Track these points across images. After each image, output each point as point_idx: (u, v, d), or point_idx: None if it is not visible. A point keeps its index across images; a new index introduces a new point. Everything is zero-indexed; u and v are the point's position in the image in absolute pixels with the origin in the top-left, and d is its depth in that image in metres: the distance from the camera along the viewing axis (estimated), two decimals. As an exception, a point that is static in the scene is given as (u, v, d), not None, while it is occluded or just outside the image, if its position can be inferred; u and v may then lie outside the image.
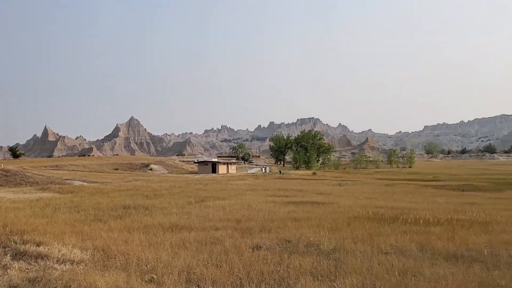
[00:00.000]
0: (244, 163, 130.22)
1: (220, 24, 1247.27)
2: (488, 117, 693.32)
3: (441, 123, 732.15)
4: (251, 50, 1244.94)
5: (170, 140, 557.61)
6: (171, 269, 7.77)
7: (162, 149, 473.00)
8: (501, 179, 52.56)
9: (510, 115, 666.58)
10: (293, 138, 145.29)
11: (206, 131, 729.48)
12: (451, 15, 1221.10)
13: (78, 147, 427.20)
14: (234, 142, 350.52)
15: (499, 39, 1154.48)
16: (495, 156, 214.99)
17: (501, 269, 7.88)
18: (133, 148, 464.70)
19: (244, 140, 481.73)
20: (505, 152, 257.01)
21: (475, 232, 11.94)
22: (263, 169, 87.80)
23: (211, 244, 10.26)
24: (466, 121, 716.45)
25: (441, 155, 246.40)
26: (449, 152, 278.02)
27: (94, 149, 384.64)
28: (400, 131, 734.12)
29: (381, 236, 11.06)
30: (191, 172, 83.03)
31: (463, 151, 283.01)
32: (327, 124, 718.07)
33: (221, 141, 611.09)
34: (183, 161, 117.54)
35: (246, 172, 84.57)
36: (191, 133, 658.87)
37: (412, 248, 9.57)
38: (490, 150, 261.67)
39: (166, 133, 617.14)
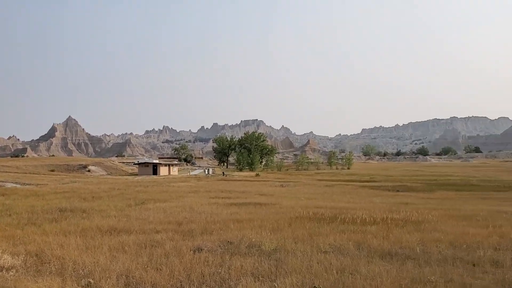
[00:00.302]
0: (187, 165, 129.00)
1: (162, 22, 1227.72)
2: (421, 121, 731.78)
3: (377, 126, 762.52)
4: (195, 50, 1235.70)
5: (109, 141, 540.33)
6: (109, 273, 7.56)
7: (101, 150, 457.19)
8: (432, 180, 55.50)
9: (442, 119, 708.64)
10: (237, 139, 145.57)
11: (147, 131, 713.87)
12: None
13: (11, 147, 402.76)
14: (176, 143, 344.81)
15: (432, 49, 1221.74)
16: (428, 158, 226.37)
17: (432, 265, 8.31)
18: (71, 148, 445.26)
19: (186, 141, 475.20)
20: (437, 154, 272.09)
21: (409, 230, 12.52)
22: (206, 170, 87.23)
23: (151, 247, 10.09)
24: (401, 124, 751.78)
25: (377, 157, 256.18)
26: (385, 154, 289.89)
27: (29, 149, 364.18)
28: (340, 134, 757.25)
29: (321, 236, 11.35)
30: (131, 174, 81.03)
31: (398, 153, 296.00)
32: (270, 126, 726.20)
33: (162, 142, 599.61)
34: (123, 162, 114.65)
35: (188, 174, 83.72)
36: (131, 133, 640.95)
37: (349, 247, 9.90)
38: (423, 152, 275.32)
39: (105, 134, 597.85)
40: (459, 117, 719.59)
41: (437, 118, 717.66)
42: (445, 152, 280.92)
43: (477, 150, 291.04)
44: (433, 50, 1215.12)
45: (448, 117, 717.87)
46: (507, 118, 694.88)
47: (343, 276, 7.37)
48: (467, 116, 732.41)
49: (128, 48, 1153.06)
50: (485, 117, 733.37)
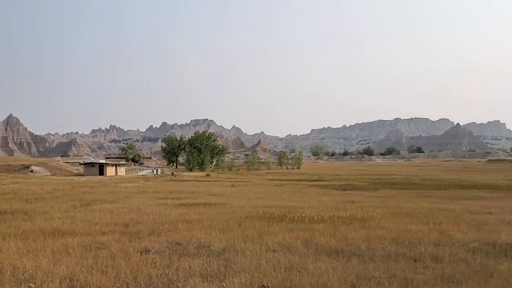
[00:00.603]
0: (135, 165, 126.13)
1: (106, 19, 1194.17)
2: (367, 122, 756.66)
3: (326, 127, 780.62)
4: (144, 47, 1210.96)
5: (53, 140, 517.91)
6: (52, 277, 7.28)
7: (44, 150, 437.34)
8: (377, 179, 57.38)
9: (386, 120, 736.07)
10: (187, 139, 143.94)
11: (93, 131, 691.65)
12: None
13: None
14: (123, 143, 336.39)
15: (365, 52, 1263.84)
16: (373, 158, 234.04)
17: (376, 261, 8.58)
18: (12, 148, 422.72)
19: (134, 141, 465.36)
20: (381, 154, 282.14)
21: (354, 228, 12.88)
22: (155, 171, 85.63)
23: (97, 249, 9.84)
24: (348, 125, 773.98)
25: (326, 157, 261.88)
26: (333, 154, 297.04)
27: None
28: (290, 134, 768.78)
29: (270, 235, 11.44)
30: (77, 174, 78.21)
31: (345, 153, 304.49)
32: (221, 126, 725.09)
33: (109, 142, 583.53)
34: (68, 162, 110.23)
35: (136, 174, 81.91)
36: (77, 133, 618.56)
37: (298, 245, 10.04)
38: (368, 152, 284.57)
39: (49, 133, 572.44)
40: (402, 118, 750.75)
41: (382, 119, 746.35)
42: (389, 152, 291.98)
43: (419, 150, 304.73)
44: (375, 59, 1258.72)
45: (392, 119, 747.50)
46: (447, 119, 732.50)
47: (291, 274, 7.46)
48: (410, 117, 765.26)
49: (74, 44, 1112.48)
50: (427, 118, 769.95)
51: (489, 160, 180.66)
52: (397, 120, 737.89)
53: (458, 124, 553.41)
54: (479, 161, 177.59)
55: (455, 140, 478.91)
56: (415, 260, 8.71)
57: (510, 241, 10.32)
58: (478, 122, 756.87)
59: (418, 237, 11.08)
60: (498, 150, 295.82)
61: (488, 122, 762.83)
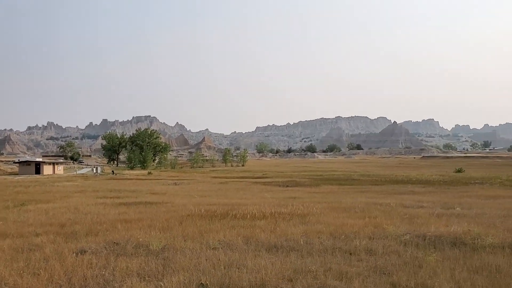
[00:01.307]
0: (73, 163, 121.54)
1: (53, 16, 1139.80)
2: (310, 120, 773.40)
3: (271, 124, 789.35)
4: (83, 43, 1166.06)
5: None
6: (-24, 283, 6.87)
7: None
8: (319, 175, 58.87)
9: (328, 118, 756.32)
10: (128, 136, 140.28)
11: (29, 128, 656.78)
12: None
13: None
14: (62, 141, 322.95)
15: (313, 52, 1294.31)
16: (315, 155, 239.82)
17: (313, 256, 8.80)
18: None
19: (73, 139, 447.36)
20: (323, 151, 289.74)
21: (294, 223, 13.14)
22: (95, 169, 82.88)
23: (29, 251, 9.50)
24: (292, 123, 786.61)
25: (270, 154, 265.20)
26: (277, 151, 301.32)
27: None
28: (235, 131, 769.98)
29: (211, 233, 11.42)
30: (11, 173, 74.16)
31: (289, 151, 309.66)
32: (164, 123, 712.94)
33: (47, 139, 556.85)
34: (2, 161, 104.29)
35: (75, 173, 78.89)
36: (11, 129, 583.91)
37: (238, 242, 10.10)
38: (311, 149, 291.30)
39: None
40: (343, 116, 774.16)
41: (324, 117, 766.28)
42: (331, 149, 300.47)
43: (358, 147, 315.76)
44: (319, 59, 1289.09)
45: (334, 117, 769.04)
46: (385, 118, 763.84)
47: (230, 270, 7.50)
48: (350, 116, 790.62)
49: (9, 37, 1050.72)
50: (366, 116, 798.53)
51: (423, 156, 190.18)
52: (338, 118, 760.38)
53: (395, 122, 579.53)
54: (414, 158, 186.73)
55: (392, 137, 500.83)
56: (351, 253, 9.02)
57: (438, 234, 10.91)
58: (413, 120, 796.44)
59: (354, 231, 11.48)
60: (432, 147, 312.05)
61: (423, 120, 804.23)
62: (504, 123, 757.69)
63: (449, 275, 7.27)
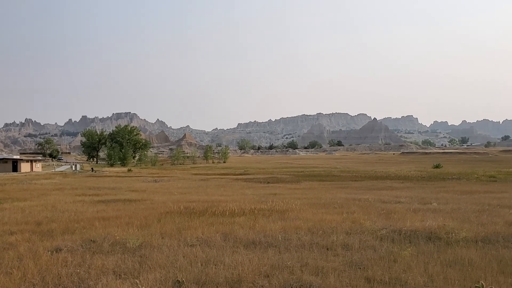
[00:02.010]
0: (52, 161, 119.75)
1: (27, 11, 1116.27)
2: (292, 117, 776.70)
3: (252, 121, 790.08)
4: (62, 38, 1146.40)
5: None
6: None
7: None
8: (300, 172, 59.14)
9: (309, 115, 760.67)
10: (108, 133, 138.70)
11: (6, 124, 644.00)
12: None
13: None
14: (40, 138, 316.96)
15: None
16: (297, 151, 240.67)
17: (291, 251, 8.85)
18: None
19: (52, 136, 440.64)
20: (305, 148, 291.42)
21: (273, 219, 13.19)
22: (74, 166, 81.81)
23: (3, 250, 9.37)
24: (273, 120, 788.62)
25: (252, 151, 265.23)
26: (259, 148, 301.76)
27: None
28: (217, 128, 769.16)
29: (190, 230, 11.38)
30: (-14, 172, 72.58)
31: (271, 147, 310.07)
32: (144, 120, 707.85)
33: (25, 136, 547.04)
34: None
35: (54, 170, 77.65)
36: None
37: (217, 239, 10.08)
38: (292, 146, 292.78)
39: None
40: (324, 113, 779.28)
41: (305, 114, 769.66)
42: (312, 145, 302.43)
43: (339, 143, 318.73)
44: (302, 58, 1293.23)
45: (315, 113, 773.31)
46: (365, 114, 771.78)
47: (207, 267, 7.50)
48: (331, 112, 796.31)
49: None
50: (347, 113, 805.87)
51: (402, 152, 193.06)
52: (320, 115, 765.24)
53: (375, 118, 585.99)
54: (393, 154, 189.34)
55: (372, 133, 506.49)
56: (328, 249, 9.10)
57: (414, 228, 11.09)
58: (393, 117, 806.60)
59: (332, 227, 11.57)
60: (411, 143, 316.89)
61: (402, 117, 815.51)
62: (482, 119, 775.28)
63: (423, 269, 7.40)
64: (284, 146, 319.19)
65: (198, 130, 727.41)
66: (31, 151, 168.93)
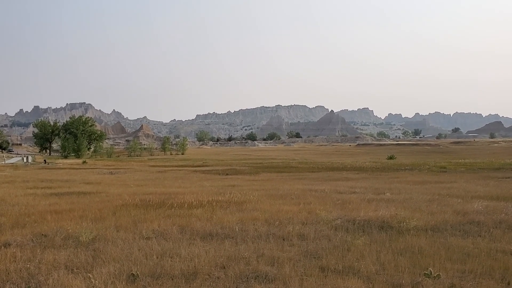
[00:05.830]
0: (2, 152, 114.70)
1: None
2: (251, 109, 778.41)
3: (211, 112, 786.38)
4: (13, 25, 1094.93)
5: None
6: None
7: None
8: (258, 163, 59.47)
9: (268, 107, 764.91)
10: (61, 124, 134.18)
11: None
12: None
13: None
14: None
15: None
16: (255, 143, 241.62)
17: (247, 243, 8.89)
18: None
19: (2, 126, 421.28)
20: (264, 139, 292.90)
21: (231, 211, 13.20)
22: (25, 158, 78.64)
23: None
24: (232, 111, 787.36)
25: (211, 142, 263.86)
26: (218, 140, 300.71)
27: None
28: (175, 119, 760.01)
29: (146, 222, 11.22)
30: None
31: (230, 139, 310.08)
32: (100, 110, 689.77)
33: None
34: None
35: (3, 163, 74.42)
36: None
37: (173, 231, 10.00)
38: (251, 137, 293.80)
39: None
40: (283, 105, 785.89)
41: (264, 106, 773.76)
42: (271, 137, 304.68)
43: (297, 135, 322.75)
44: (266, 51, 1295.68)
45: (274, 105, 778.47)
46: (323, 106, 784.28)
47: (163, 260, 7.44)
48: (290, 104, 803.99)
49: None
50: (305, 105, 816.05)
51: (358, 144, 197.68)
52: (278, 107, 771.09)
53: (332, 111, 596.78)
54: (350, 145, 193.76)
55: (329, 125, 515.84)
56: (284, 239, 9.22)
57: (367, 218, 11.40)
58: (349, 109, 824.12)
59: (289, 217, 11.72)
60: (366, 135, 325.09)
61: (358, 109, 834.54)
62: (434, 112, 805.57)
63: (375, 258, 7.65)
64: (243, 137, 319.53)
65: (156, 121, 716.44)
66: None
